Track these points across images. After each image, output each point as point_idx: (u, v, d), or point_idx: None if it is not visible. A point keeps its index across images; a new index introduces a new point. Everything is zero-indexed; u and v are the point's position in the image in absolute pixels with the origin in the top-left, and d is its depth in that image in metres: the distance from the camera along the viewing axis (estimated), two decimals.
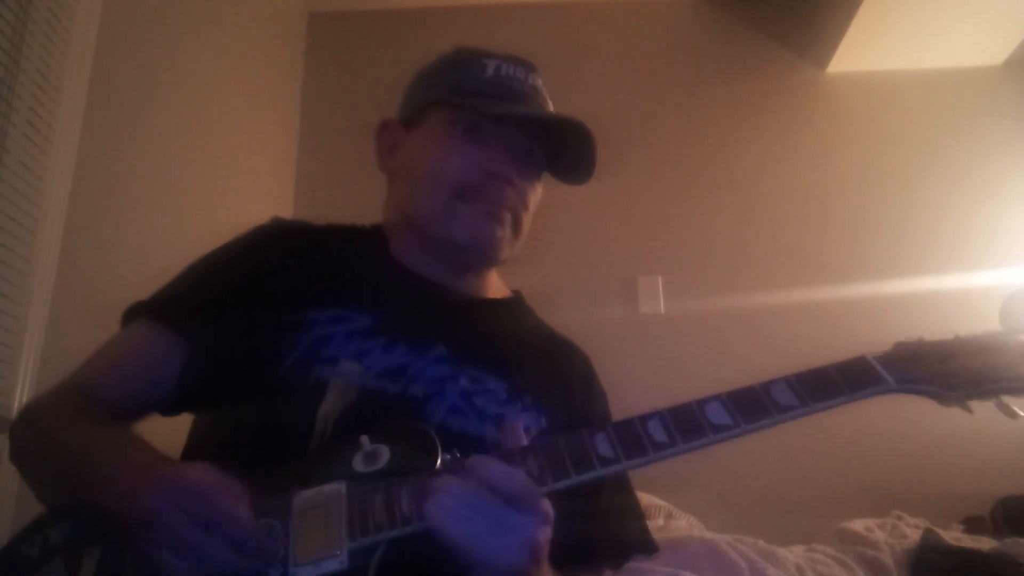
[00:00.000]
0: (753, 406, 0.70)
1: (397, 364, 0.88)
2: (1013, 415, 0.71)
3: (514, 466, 0.67)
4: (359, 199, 1.13)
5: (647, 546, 0.98)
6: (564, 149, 1.01)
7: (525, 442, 0.73)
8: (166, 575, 0.62)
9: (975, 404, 0.72)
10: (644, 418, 0.70)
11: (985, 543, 1.66)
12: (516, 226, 1.00)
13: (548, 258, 2.48)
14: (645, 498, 1.75)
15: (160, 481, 0.65)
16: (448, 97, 1.00)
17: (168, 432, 0.90)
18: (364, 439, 0.73)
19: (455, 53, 1.06)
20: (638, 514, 1.00)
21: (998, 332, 0.76)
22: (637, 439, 0.69)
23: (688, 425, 0.69)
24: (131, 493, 0.65)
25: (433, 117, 1.02)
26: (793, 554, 1.55)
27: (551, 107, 1.06)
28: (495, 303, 1.06)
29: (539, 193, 1.05)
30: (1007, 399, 0.72)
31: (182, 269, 0.98)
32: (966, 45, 2.75)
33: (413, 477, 0.68)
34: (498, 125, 0.97)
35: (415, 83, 1.07)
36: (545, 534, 0.66)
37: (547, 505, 0.67)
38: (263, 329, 0.89)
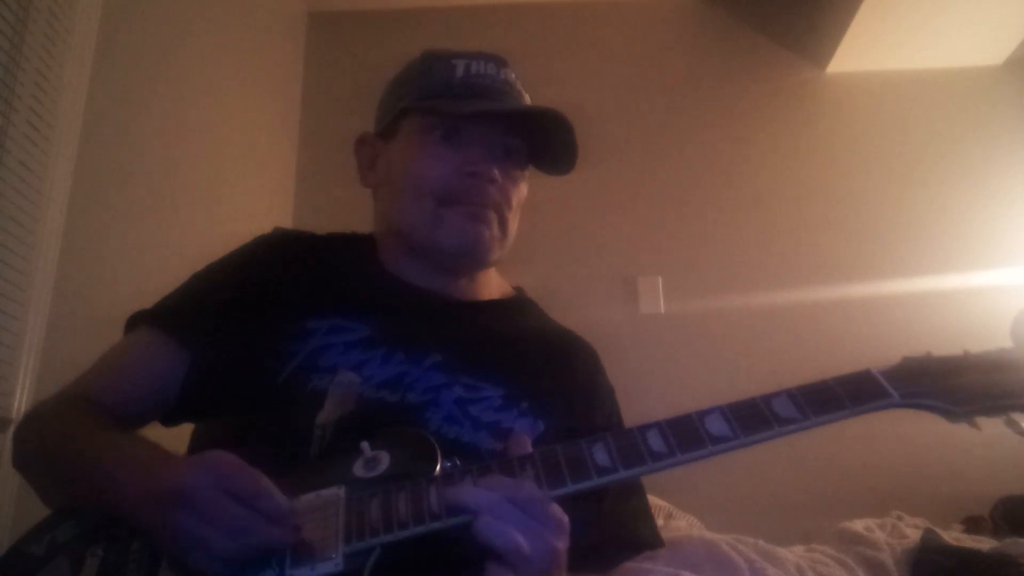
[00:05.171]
0: (754, 418, 0.70)
1: (395, 374, 0.88)
2: (1022, 432, 0.70)
3: (514, 475, 0.68)
4: (359, 199, 1.13)
5: (655, 542, 0.98)
6: (545, 141, 0.99)
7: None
8: (203, 553, 0.63)
9: (982, 421, 0.71)
10: (643, 428, 0.70)
11: (985, 543, 1.66)
12: (503, 225, 0.98)
13: (548, 258, 2.47)
14: None
15: (191, 463, 0.67)
16: (420, 104, 0.98)
17: (167, 444, 0.90)
18: (364, 445, 0.74)
19: (423, 58, 1.04)
20: (648, 513, 1.00)
21: (1009, 349, 0.75)
22: (635, 449, 0.68)
23: (687, 436, 0.69)
24: (157, 482, 0.67)
25: (408, 125, 1.00)
26: (793, 554, 1.55)
27: (527, 100, 1.03)
28: (492, 305, 1.05)
29: (524, 191, 1.03)
30: (1016, 416, 0.71)
31: (185, 278, 0.99)
32: (966, 45, 2.75)
33: (411, 483, 0.69)
34: (473, 125, 0.96)
35: (387, 93, 1.06)
36: (563, 542, 0.66)
37: (558, 512, 0.66)
38: (263, 338, 0.90)
